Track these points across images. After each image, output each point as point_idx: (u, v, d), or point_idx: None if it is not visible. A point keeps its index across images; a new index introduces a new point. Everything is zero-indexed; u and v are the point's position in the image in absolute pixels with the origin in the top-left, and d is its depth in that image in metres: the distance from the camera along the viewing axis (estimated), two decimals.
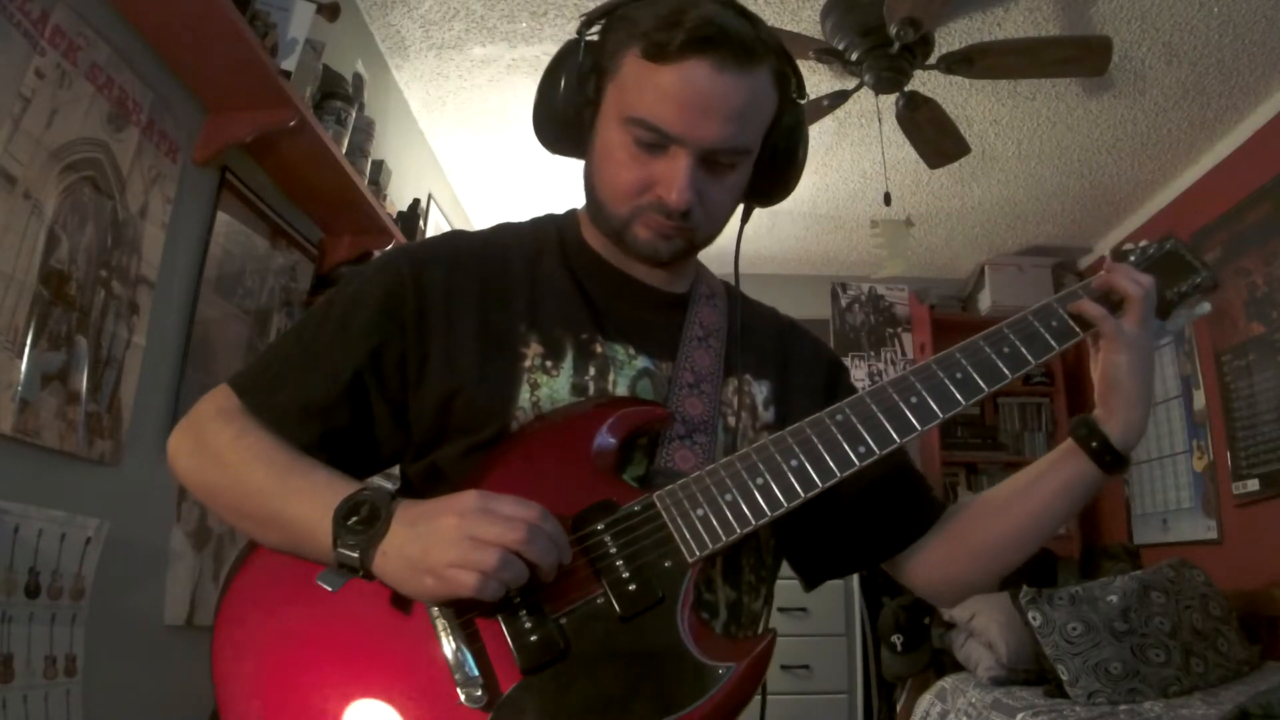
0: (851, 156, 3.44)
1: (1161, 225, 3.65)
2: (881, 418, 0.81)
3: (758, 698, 0.75)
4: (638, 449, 0.83)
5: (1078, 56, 2.46)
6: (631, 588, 0.73)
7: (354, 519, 0.72)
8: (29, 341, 1.39)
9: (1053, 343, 0.85)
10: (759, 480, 0.77)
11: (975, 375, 0.83)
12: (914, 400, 0.81)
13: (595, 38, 0.86)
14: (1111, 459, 0.85)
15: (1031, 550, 0.91)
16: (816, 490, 0.78)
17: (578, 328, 0.86)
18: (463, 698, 0.69)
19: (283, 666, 0.73)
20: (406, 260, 0.89)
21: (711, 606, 0.82)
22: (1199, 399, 3.33)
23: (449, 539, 0.69)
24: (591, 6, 0.77)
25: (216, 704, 0.74)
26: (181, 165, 1.78)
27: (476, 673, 0.70)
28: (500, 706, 0.69)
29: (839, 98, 2.72)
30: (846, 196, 3.79)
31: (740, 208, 0.94)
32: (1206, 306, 0.93)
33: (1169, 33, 2.62)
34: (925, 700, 3.09)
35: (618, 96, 0.83)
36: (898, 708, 3.41)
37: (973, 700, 2.77)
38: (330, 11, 2.04)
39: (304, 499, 0.75)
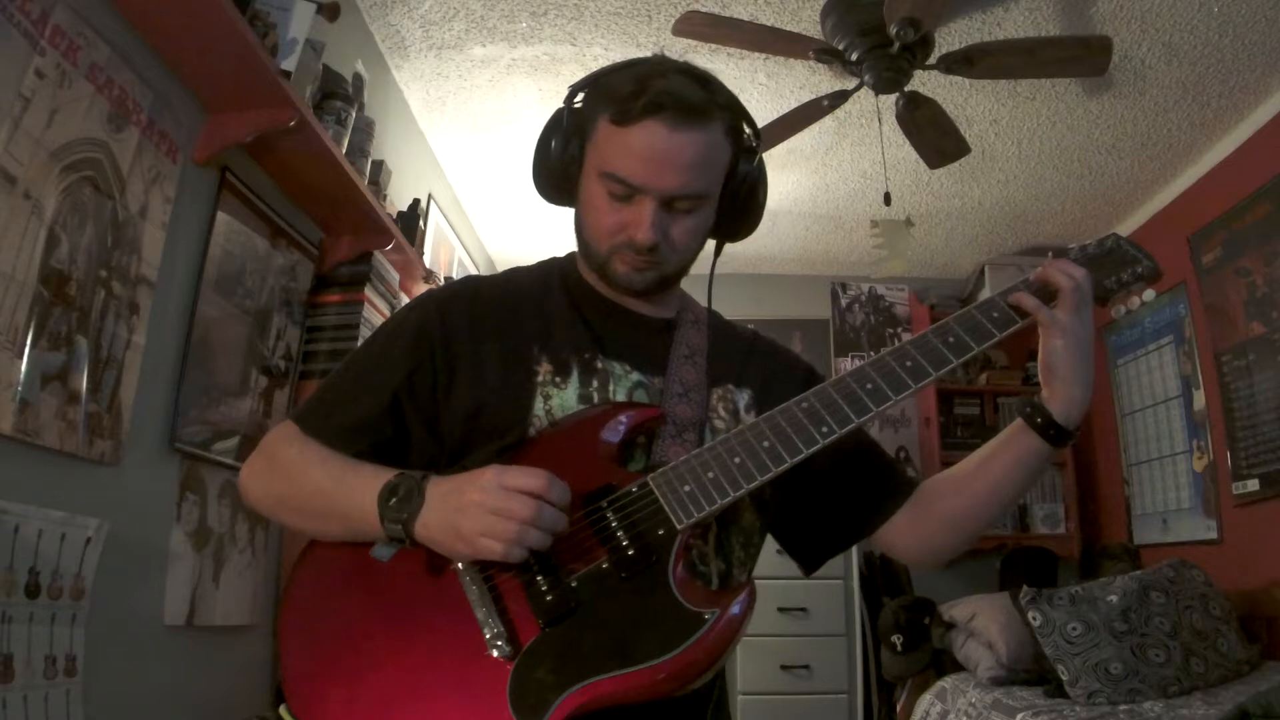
0: (851, 156, 3.44)
1: (1161, 225, 3.65)
2: (841, 402, 0.93)
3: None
4: (637, 446, 0.97)
5: (1078, 56, 2.46)
6: (631, 553, 0.87)
7: (394, 499, 0.87)
8: (29, 341, 1.39)
9: (994, 330, 0.97)
10: (736, 459, 0.90)
11: (924, 362, 0.94)
12: (869, 386, 0.93)
13: (579, 105, 1.02)
14: (1055, 432, 0.96)
15: (994, 517, 1.04)
16: (786, 465, 0.90)
17: (581, 349, 1.01)
18: (492, 651, 0.83)
19: (338, 632, 0.89)
20: (434, 301, 1.06)
21: (705, 576, 0.96)
22: (1199, 399, 3.33)
23: (475, 512, 0.83)
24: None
25: (282, 676, 0.89)
26: (181, 165, 1.78)
27: (502, 628, 0.84)
28: (523, 656, 0.83)
29: (839, 98, 2.72)
30: (846, 196, 3.79)
31: (712, 245, 1.09)
32: (1151, 293, 1.04)
33: (1169, 33, 2.62)
34: (925, 700, 3.09)
35: (595, 155, 0.99)
36: (898, 708, 3.41)
37: (973, 700, 2.77)
38: (330, 11, 2.04)
39: (356, 491, 0.91)
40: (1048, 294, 0.97)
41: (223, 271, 1.94)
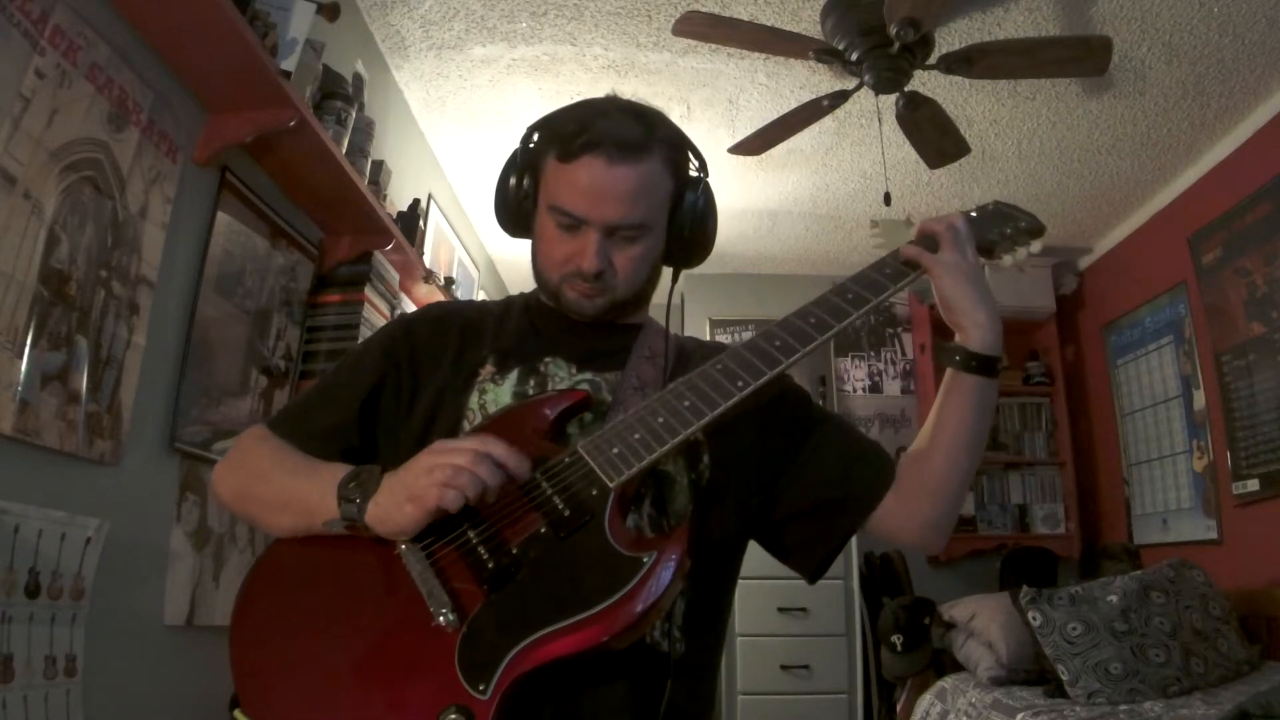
0: (851, 156, 3.44)
1: (1161, 225, 3.65)
2: (754, 359, 0.97)
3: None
4: (567, 435, 1.00)
5: (1078, 56, 2.46)
6: (566, 514, 0.89)
7: (352, 484, 0.91)
8: (29, 341, 1.39)
9: (887, 283, 1.03)
10: (659, 419, 0.93)
11: (826, 317, 1.00)
12: (778, 343, 0.98)
13: (532, 145, 1.08)
14: (977, 363, 1.01)
15: (968, 468, 1.05)
16: (707, 418, 0.93)
17: (529, 356, 1.07)
18: (439, 620, 0.84)
19: (288, 630, 0.91)
20: (402, 322, 1.16)
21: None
22: (1199, 399, 3.33)
23: (418, 471, 0.88)
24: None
25: (232, 670, 0.90)
26: (181, 165, 1.78)
27: (447, 599, 0.85)
28: (470, 622, 0.84)
29: (839, 98, 2.72)
30: (846, 196, 3.79)
31: (670, 272, 1.14)
32: (1036, 246, 1.11)
33: (1169, 33, 2.62)
34: (925, 700, 3.09)
35: (544, 191, 1.06)
36: (898, 708, 3.41)
37: (973, 700, 2.77)
38: (330, 11, 2.04)
39: (318, 482, 0.95)
40: (932, 245, 1.04)
41: (223, 271, 1.94)
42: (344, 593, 0.91)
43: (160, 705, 1.71)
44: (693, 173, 1.10)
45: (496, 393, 1.03)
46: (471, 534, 0.88)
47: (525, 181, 1.08)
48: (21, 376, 1.37)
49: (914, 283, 1.05)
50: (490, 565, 0.87)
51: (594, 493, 0.90)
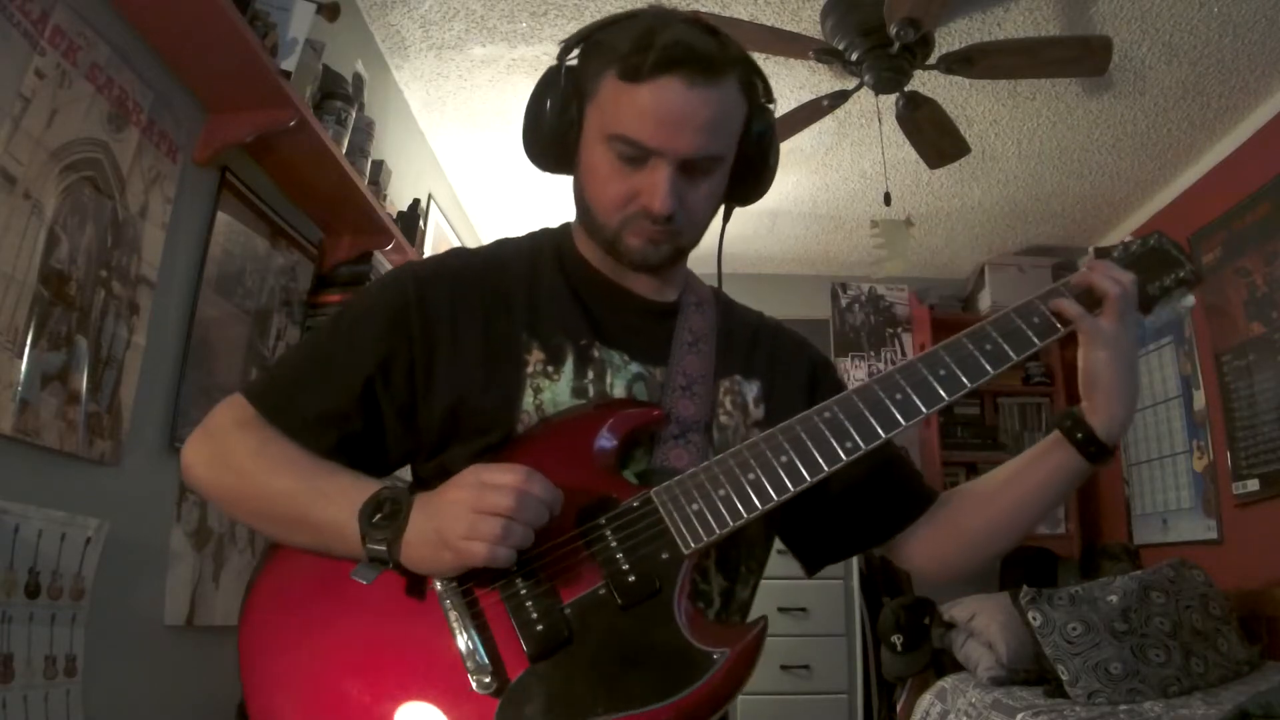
0: (851, 156, 3.44)
1: (1161, 225, 3.62)
2: (868, 414, 0.84)
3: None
4: (638, 447, 0.88)
5: (1078, 56, 2.46)
6: (631, 579, 0.78)
7: (379, 515, 0.78)
8: (29, 341, 1.39)
9: (1034, 338, 0.89)
10: (750, 475, 0.81)
11: (958, 371, 0.86)
12: (899, 397, 0.85)
13: (574, 63, 0.92)
14: (1096, 450, 0.90)
15: (1019, 536, 0.97)
16: (805, 484, 0.82)
17: (576, 334, 0.91)
18: (474, 684, 0.74)
19: (308, 661, 0.78)
20: (411, 277, 0.94)
21: (706, 595, 0.88)
22: (1199, 399, 3.33)
23: (457, 514, 0.74)
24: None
25: (244, 698, 0.78)
26: (181, 165, 1.78)
27: (487, 661, 0.75)
28: (509, 692, 0.74)
29: (839, 98, 2.72)
30: (846, 196, 3.79)
31: (721, 210, 0.99)
32: (1190, 300, 0.96)
33: (1169, 33, 2.62)
34: (925, 700, 3.09)
35: (599, 116, 0.89)
36: (898, 708, 3.41)
37: (973, 700, 2.77)
38: (330, 11, 2.04)
39: (331, 502, 0.80)
40: (1091, 299, 0.90)
41: (223, 271, 1.94)
42: (373, 621, 0.79)
43: (160, 705, 1.71)
44: (761, 98, 0.95)
45: (553, 390, 0.88)
46: (520, 583, 0.77)
47: (570, 107, 0.90)
48: (21, 376, 1.37)
49: (1061, 338, 0.91)
50: (539, 627, 0.76)
51: (664, 557, 0.78)
